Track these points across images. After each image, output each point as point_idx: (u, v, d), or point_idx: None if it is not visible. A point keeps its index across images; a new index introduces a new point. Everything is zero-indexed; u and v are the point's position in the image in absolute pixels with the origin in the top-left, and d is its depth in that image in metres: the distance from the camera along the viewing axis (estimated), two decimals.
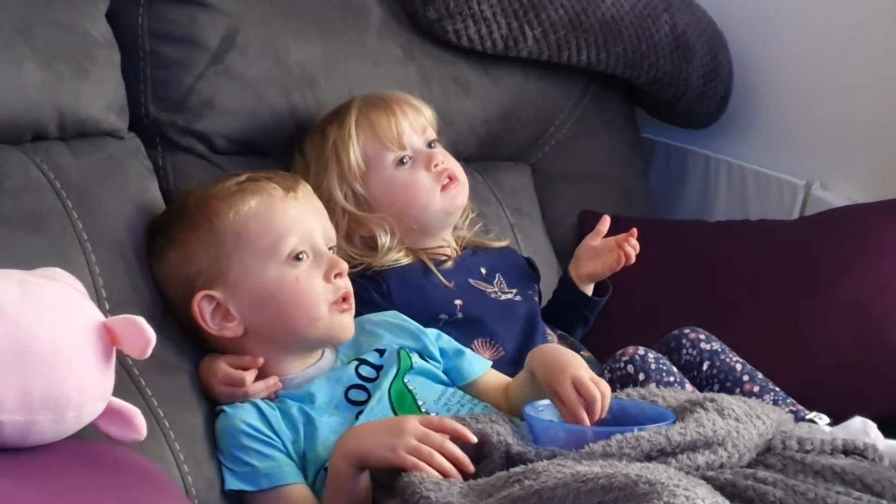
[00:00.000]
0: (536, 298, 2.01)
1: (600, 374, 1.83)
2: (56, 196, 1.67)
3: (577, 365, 1.60)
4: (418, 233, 1.93)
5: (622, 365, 1.82)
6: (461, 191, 1.95)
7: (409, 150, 1.91)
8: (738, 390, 1.84)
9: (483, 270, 1.97)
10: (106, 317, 1.39)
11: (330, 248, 1.70)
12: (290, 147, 2.02)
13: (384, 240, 1.89)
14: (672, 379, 1.80)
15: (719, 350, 1.89)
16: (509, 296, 1.96)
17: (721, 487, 1.39)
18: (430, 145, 1.94)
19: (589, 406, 1.55)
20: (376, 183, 1.90)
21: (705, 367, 1.87)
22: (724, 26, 2.56)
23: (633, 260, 1.99)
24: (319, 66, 2.06)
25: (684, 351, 1.88)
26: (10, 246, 1.56)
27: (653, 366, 1.81)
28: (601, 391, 1.56)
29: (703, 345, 1.89)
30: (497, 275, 1.98)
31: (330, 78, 2.07)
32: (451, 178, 1.93)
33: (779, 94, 2.54)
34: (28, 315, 1.30)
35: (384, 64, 2.15)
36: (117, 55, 1.84)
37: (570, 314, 2.08)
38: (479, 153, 2.30)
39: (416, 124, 1.93)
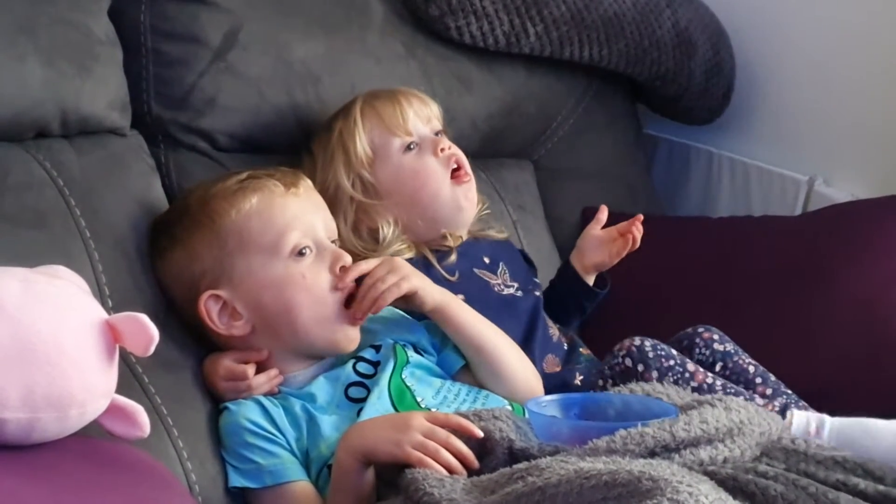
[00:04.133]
0: (538, 293, 2.01)
1: (600, 372, 1.83)
2: (59, 194, 1.67)
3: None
4: (424, 227, 1.92)
5: (620, 360, 1.81)
6: (472, 185, 1.95)
7: (415, 136, 1.92)
8: (750, 392, 1.84)
9: (486, 259, 1.97)
10: (109, 314, 1.39)
11: (332, 242, 1.70)
12: (294, 144, 2.02)
13: (387, 231, 1.89)
14: (672, 362, 1.79)
15: (732, 351, 1.88)
16: (511, 290, 1.96)
17: (722, 482, 1.39)
18: (436, 135, 1.95)
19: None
20: (384, 170, 1.91)
21: (718, 368, 1.86)
22: (727, 22, 2.55)
23: (638, 244, 2.00)
24: (322, 64, 2.06)
25: (697, 350, 1.88)
26: (13, 243, 1.57)
27: (650, 353, 1.80)
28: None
29: (716, 345, 1.88)
30: (500, 264, 1.98)
31: (332, 75, 2.07)
32: (459, 167, 1.93)
33: (781, 90, 2.54)
34: (31, 312, 1.30)
35: (386, 61, 2.16)
36: (120, 53, 1.84)
37: (569, 305, 2.08)
38: (482, 150, 2.30)
39: (421, 113, 1.94)
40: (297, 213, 1.68)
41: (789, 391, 1.86)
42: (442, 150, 1.92)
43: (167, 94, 1.93)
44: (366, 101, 1.93)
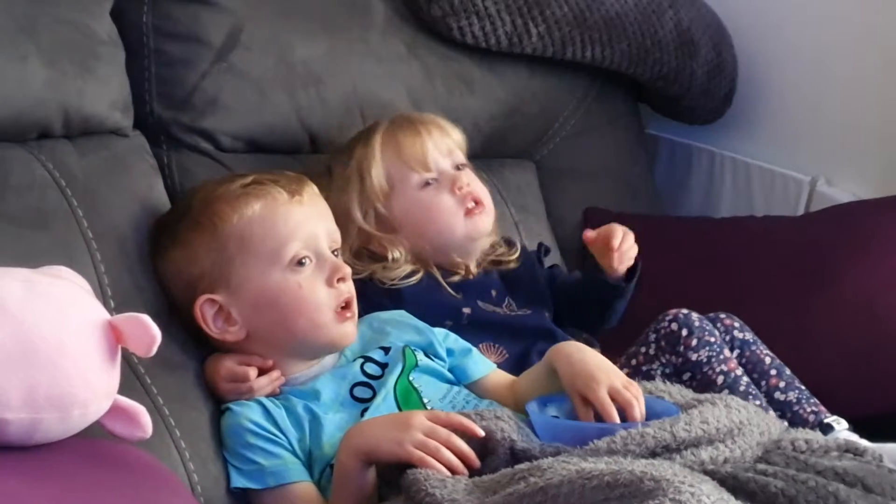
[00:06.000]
0: (547, 314, 1.99)
1: (644, 339, 1.86)
2: (61, 194, 1.67)
3: (608, 370, 1.60)
4: (432, 253, 1.91)
5: (667, 324, 1.85)
6: (485, 217, 1.92)
7: (434, 171, 1.90)
8: (763, 383, 1.86)
9: (493, 292, 1.95)
10: (111, 315, 1.39)
11: (334, 251, 1.70)
12: (296, 144, 2.03)
13: (395, 254, 1.88)
14: (713, 339, 1.84)
15: (751, 340, 1.91)
16: (518, 314, 1.95)
17: (722, 480, 1.39)
18: (457, 168, 1.92)
19: (625, 410, 1.55)
20: (399, 204, 1.89)
21: (735, 355, 1.88)
22: (729, 22, 2.56)
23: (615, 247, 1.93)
24: (324, 64, 2.06)
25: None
26: (16, 244, 1.56)
27: (696, 323, 1.84)
28: (633, 394, 1.57)
29: (736, 332, 1.91)
30: (507, 298, 1.96)
31: (334, 75, 2.07)
32: (476, 203, 1.91)
33: (783, 90, 2.54)
34: (33, 313, 1.30)
35: (388, 61, 2.16)
36: (122, 53, 1.84)
37: (593, 309, 2.03)
38: (484, 151, 2.30)
39: (441, 146, 1.92)
40: (299, 223, 1.67)
41: (802, 386, 1.87)
42: (460, 188, 1.90)
43: (169, 95, 1.93)
44: (387, 130, 1.91)
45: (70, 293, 1.37)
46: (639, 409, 1.55)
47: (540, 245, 2.11)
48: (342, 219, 1.83)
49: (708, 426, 1.49)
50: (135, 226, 1.72)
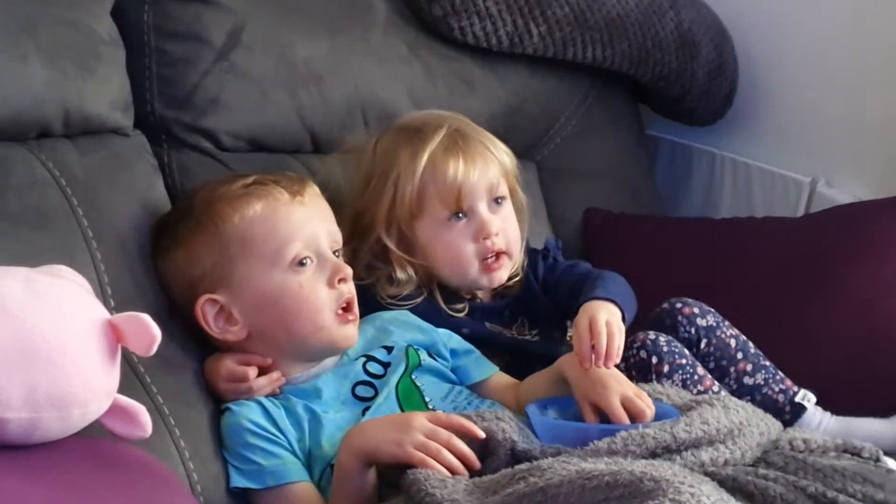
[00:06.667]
0: (557, 334, 1.97)
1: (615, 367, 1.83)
2: (61, 193, 1.67)
3: (619, 379, 1.62)
4: (441, 280, 1.88)
5: (635, 352, 1.81)
6: (503, 271, 1.88)
7: (465, 208, 1.85)
8: (732, 369, 1.87)
9: (506, 312, 1.92)
10: (111, 314, 1.39)
11: (335, 252, 1.70)
12: (297, 143, 2.03)
13: (402, 276, 1.85)
14: (684, 360, 1.81)
15: (714, 325, 1.90)
16: (527, 337, 1.93)
17: (722, 482, 1.40)
18: (496, 201, 1.88)
19: (637, 419, 1.56)
20: (422, 229, 1.86)
21: (703, 344, 1.88)
22: (729, 23, 2.55)
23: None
24: (325, 64, 2.06)
25: (681, 329, 1.88)
26: (16, 243, 1.57)
27: (665, 348, 1.81)
28: (646, 403, 1.58)
29: (699, 321, 1.89)
30: (520, 318, 1.93)
31: (335, 75, 2.07)
32: (497, 256, 1.86)
33: (784, 91, 2.54)
34: (33, 312, 1.30)
35: (389, 61, 2.16)
36: (122, 52, 1.84)
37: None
38: None
39: (482, 181, 1.85)
40: (300, 223, 1.67)
41: (767, 363, 1.89)
42: (485, 237, 1.85)
43: (170, 94, 1.93)
44: (435, 149, 1.85)
45: (70, 292, 1.37)
46: (650, 419, 1.56)
47: (546, 245, 2.05)
48: (368, 221, 1.84)
49: (708, 427, 1.49)
50: (135, 225, 1.72)
